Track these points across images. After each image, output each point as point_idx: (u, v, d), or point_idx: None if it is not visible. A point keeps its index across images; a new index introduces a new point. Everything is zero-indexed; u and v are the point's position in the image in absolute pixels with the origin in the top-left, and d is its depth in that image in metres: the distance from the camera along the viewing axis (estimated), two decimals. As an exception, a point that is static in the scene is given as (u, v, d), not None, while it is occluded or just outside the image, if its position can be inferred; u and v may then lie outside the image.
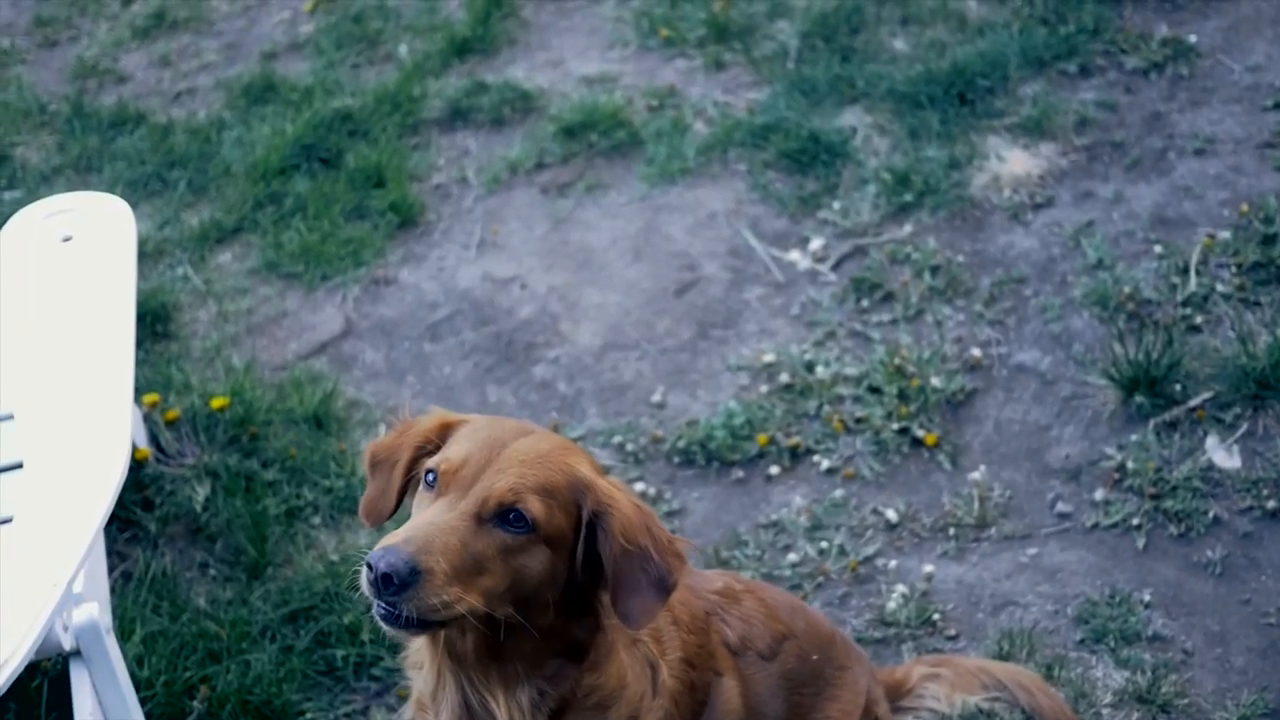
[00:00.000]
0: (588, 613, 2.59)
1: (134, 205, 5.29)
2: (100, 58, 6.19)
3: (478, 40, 5.99)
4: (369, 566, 2.34)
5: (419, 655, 2.71)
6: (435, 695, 2.64)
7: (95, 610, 3.39)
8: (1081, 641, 3.78)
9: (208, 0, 6.49)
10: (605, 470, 2.66)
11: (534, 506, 2.44)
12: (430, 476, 2.51)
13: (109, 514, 3.33)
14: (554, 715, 2.61)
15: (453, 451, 2.51)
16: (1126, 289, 4.63)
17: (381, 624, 2.41)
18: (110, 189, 5.32)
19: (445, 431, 2.63)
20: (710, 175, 5.31)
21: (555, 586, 2.51)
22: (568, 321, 4.81)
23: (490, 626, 2.47)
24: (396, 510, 2.70)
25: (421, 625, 2.40)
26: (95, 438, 3.53)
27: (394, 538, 2.37)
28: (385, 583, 2.33)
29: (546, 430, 2.63)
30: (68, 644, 3.28)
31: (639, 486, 4.24)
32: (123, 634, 3.79)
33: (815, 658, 3.14)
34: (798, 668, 3.09)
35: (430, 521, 2.40)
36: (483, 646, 2.53)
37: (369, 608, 3.84)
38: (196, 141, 5.61)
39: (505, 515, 2.44)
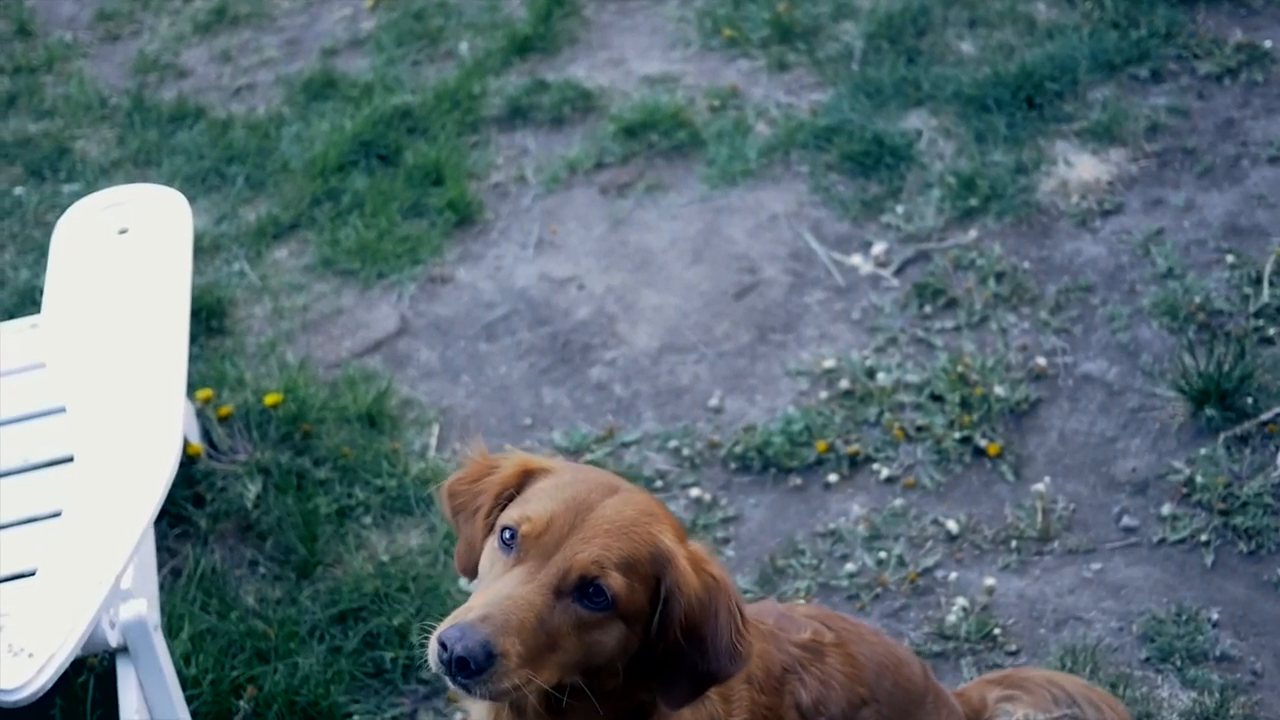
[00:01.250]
0: (650, 675, 2.46)
1: (192, 200, 5.25)
2: (161, 52, 6.18)
3: (539, 39, 5.94)
4: (442, 645, 2.25)
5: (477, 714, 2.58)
6: None
7: (143, 607, 3.35)
8: (1147, 660, 3.68)
9: (269, -4, 6.47)
10: (684, 530, 2.53)
11: (615, 583, 2.32)
12: (508, 535, 2.37)
13: (159, 510, 3.30)
14: None
15: (534, 510, 2.37)
16: (1197, 299, 4.52)
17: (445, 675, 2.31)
18: (169, 183, 5.29)
19: (525, 479, 2.50)
20: (772, 177, 5.23)
21: (626, 656, 2.40)
22: (625, 323, 4.75)
23: (556, 690, 2.36)
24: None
25: (489, 698, 2.31)
26: (147, 432, 3.50)
27: (468, 613, 2.26)
28: (459, 666, 2.23)
29: (633, 489, 2.48)
30: (114, 640, 3.24)
31: (694, 493, 4.17)
32: (170, 631, 3.75)
33: None
34: None
35: (507, 595, 2.27)
36: (545, 707, 2.41)
37: (418, 610, 3.81)
38: (255, 137, 5.58)
39: (585, 589, 2.31)
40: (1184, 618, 3.75)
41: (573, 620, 2.31)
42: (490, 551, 2.42)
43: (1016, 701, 3.32)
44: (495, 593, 2.29)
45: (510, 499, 2.48)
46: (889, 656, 3.01)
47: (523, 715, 2.44)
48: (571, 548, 2.32)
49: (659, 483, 4.19)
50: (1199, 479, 4.04)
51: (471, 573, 2.53)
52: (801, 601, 3.20)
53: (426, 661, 3.66)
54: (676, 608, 2.37)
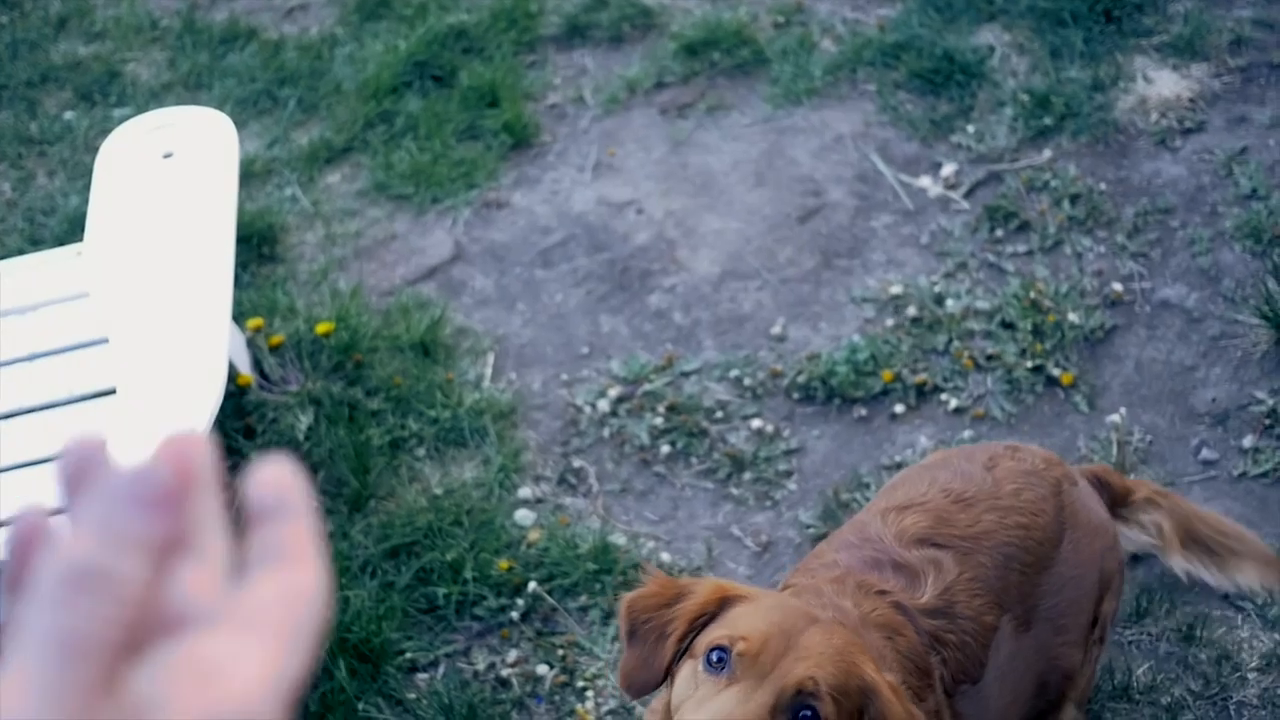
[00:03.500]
0: None
1: (243, 124, 5.16)
2: (213, -28, 6.06)
3: (598, -46, 5.77)
4: None
5: None
6: None
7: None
8: (1225, 598, 3.53)
9: (323, -87, 6.32)
10: (868, 660, 2.44)
11: (827, 708, 2.26)
12: (716, 656, 2.31)
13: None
14: None
15: (746, 630, 2.31)
16: (1282, 221, 4.34)
17: None
18: (219, 107, 5.18)
19: (722, 605, 2.44)
20: (838, 96, 5.06)
21: None
22: (685, 249, 4.61)
23: None
24: (663, 683, 2.49)
25: None
26: (191, 364, 3.42)
27: None
28: None
29: (831, 620, 2.42)
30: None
31: (755, 424, 4.04)
32: (220, 566, 3.68)
33: (1032, 630, 2.84)
34: (1013, 655, 2.80)
35: (728, 716, 2.23)
36: None
37: (472, 545, 3.71)
38: (307, 59, 5.46)
39: (798, 710, 2.26)
40: (1266, 555, 3.59)
41: None
42: (692, 674, 2.36)
43: (1164, 519, 3.17)
44: (714, 712, 2.24)
45: (704, 625, 2.43)
46: (1015, 533, 2.82)
47: None
48: (786, 667, 2.27)
49: (719, 413, 4.07)
50: (1283, 410, 3.87)
51: (639, 691, 2.50)
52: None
53: (481, 598, 3.60)
54: None
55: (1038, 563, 2.82)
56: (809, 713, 2.25)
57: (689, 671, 2.36)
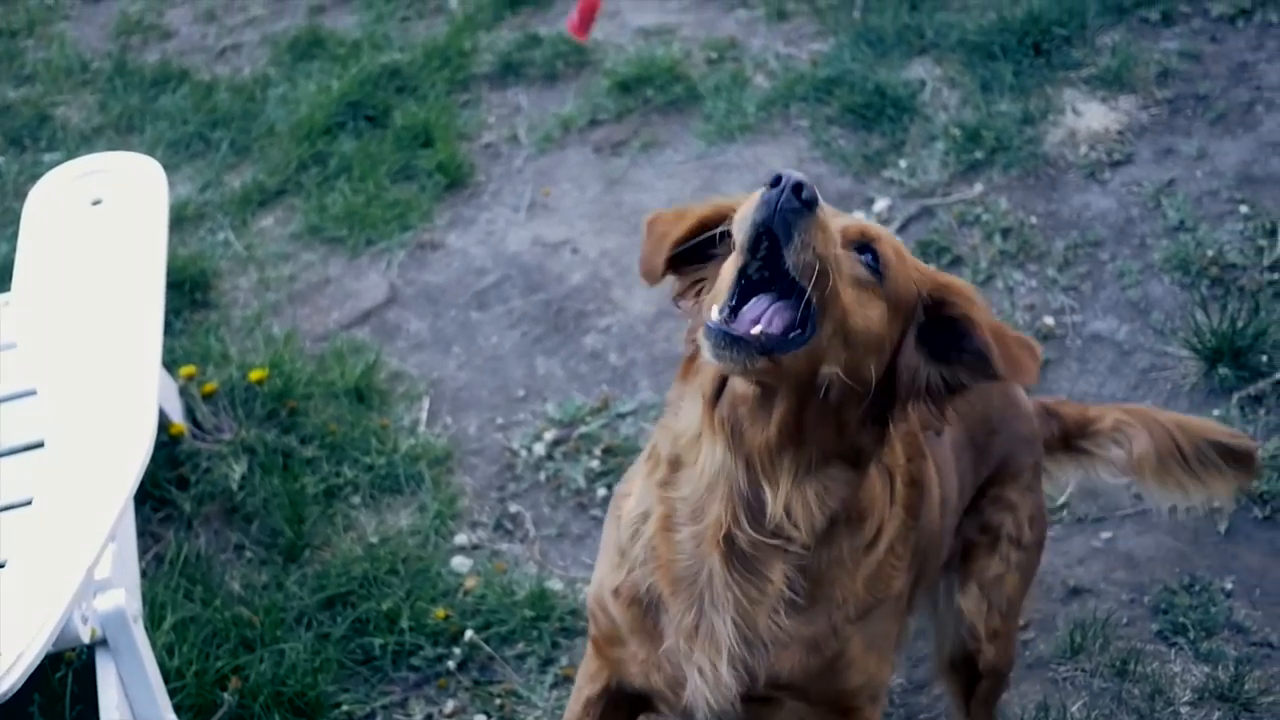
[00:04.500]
0: (880, 424, 2.40)
1: (175, 167, 5.14)
2: (144, 13, 6.03)
3: (531, -9, 5.79)
4: (774, 186, 2.18)
5: (687, 425, 2.45)
6: (702, 466, 2.42)
7: (122, 597, 3.24)
8: (1159, 633, 3.56)
9: (255, -48, 6.31)
10: None
11: (888, 250, 2.32)
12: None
13: (133, 495, 3.19)
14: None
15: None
16: (1210, 252, 4.38)
17: (718, 339, 2.20)
18: (151, 150, 5.16)
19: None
20: (771, 132, 5.08)
21: (880, 362, 2.34)
22: (620, 288, 4.61)
23: (804, 399, 2.30)
24: (665, 273, 2.52)
25: (763, 351, 2.22)
26: (120, 415, 3.38)
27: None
28: (796, 192, 2.16)
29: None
30: (86, 636, 3.13)
31: (691, 464, 4.04)
32: (153, 620, 3.64)
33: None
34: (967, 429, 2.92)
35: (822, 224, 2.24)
36: (784, 427, 2.32)
37: (408, 594, 3.69)
38: (240, 100, 5.44)
39: (861, 248, 2.31)
40: (1197, 588, 3.62)
41: (853, 273, 2.28)
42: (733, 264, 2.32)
43: (1138, 435, 3.21)
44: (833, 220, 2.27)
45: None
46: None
47: (749, 446, 2.35)
48: (840, 220, 2.32)
49: (655, 455, 4.07)
50: (1213, 442, 3.90)
51: (655, 276, 2.54)
52: None
53: (417, 648, 3.58)
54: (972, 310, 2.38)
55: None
56: (872, 252, 2.30)
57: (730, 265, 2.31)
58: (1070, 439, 3.24)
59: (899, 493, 2.58)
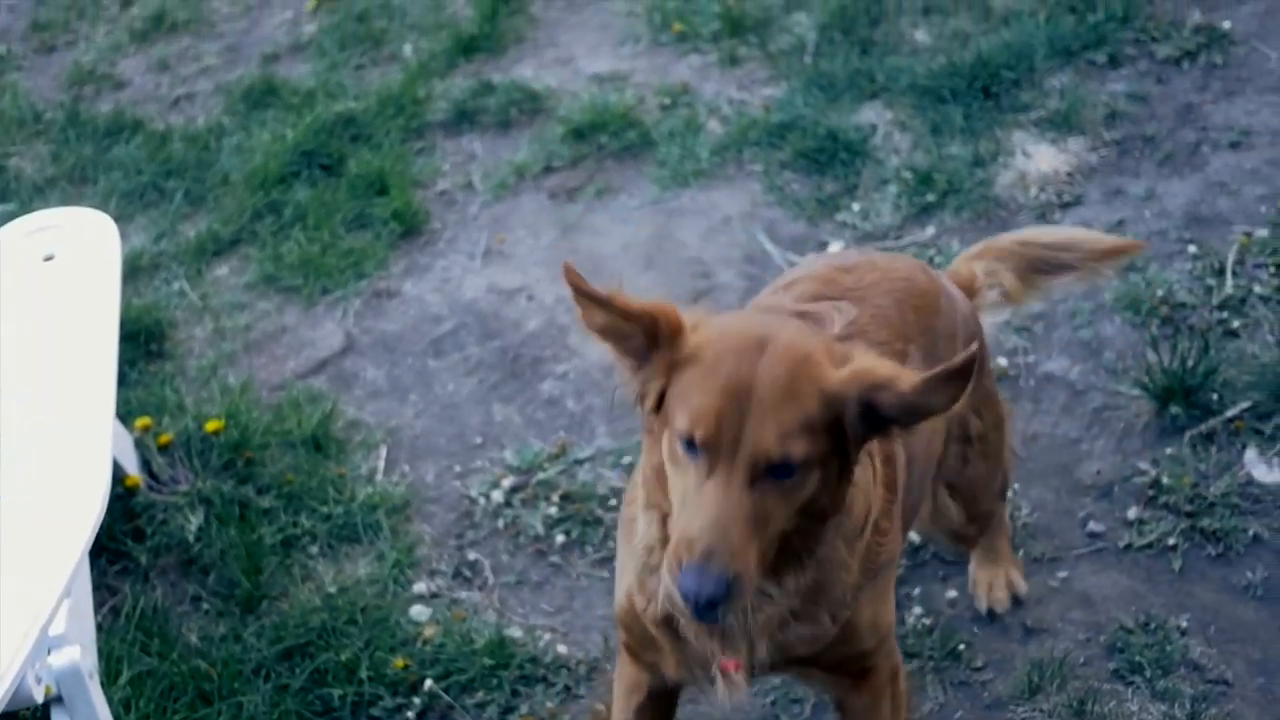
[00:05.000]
0: (845, 473, 2.49)
1: (129, 217, 5.13)
2: (97, 63, 6.03)
3: (484, 38, 5.82)
4: (685, 598, 2.31)
5: (655, 537, 2.59)
6: None
7: (77, 654, 3.22)
8: (1115, 672, 3.58)
9: (208, 1, 6.32)
10: (831, 339, 2.57)
11: (799, 449, 2.34)
12: (685, 443, 2.35)
13: (88, 549, 3.17)
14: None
15: (700, 407, 2.34)
16: (1159, 292, 4.43)
17: (691, 614, 2.38)
18: (105, 200, 5.16)
19: (676, 337, 2.45)
20: (725, 177, 5.11)
21: (832, 490, 2.46)
22: (576, 334, 4.62)
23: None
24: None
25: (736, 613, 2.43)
26: (74, 468, 3.36)
27: (690, 552, 2.30)
28: (708, 608, 2.31)
29: (776, 336, 2.41)
30: (40, 695, 3.11)
31: (649, 510, 4.05)
32: (109, 675, 3.62)
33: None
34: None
35: (716, 516, 2.32)
36: (760, 560, 2.44)
37: (367, 644, 3.68)
38: (194, 149, 5.44)
39: (775, 469, 2.35)
40: (1152, 626, 3.65)
41: (774, 494, 2.36)
42: (673, 450, 2.41)
43: (1000, 273, 3.48)
44: (703, 516, 2.32)
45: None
46: (898, 283, 3.01)
47: None
48: (750, 434, 2.33)
49: (614, 501, 4.08)
50: (1165, 480, 3.94)
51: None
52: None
53: (377, 698, 3.57)
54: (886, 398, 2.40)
55: (926, 306, 3.04)
56: (785, 465, 2.34)
57: (671, 445, 2.40)
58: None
59: (878, 472, 2.69)
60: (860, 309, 2.90)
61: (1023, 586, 3.73)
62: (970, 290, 3.40)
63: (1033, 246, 3.53)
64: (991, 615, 3.70)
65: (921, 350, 2.95)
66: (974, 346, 2.38)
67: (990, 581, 3.72)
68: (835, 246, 4.75)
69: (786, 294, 2.99)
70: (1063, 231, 3.64)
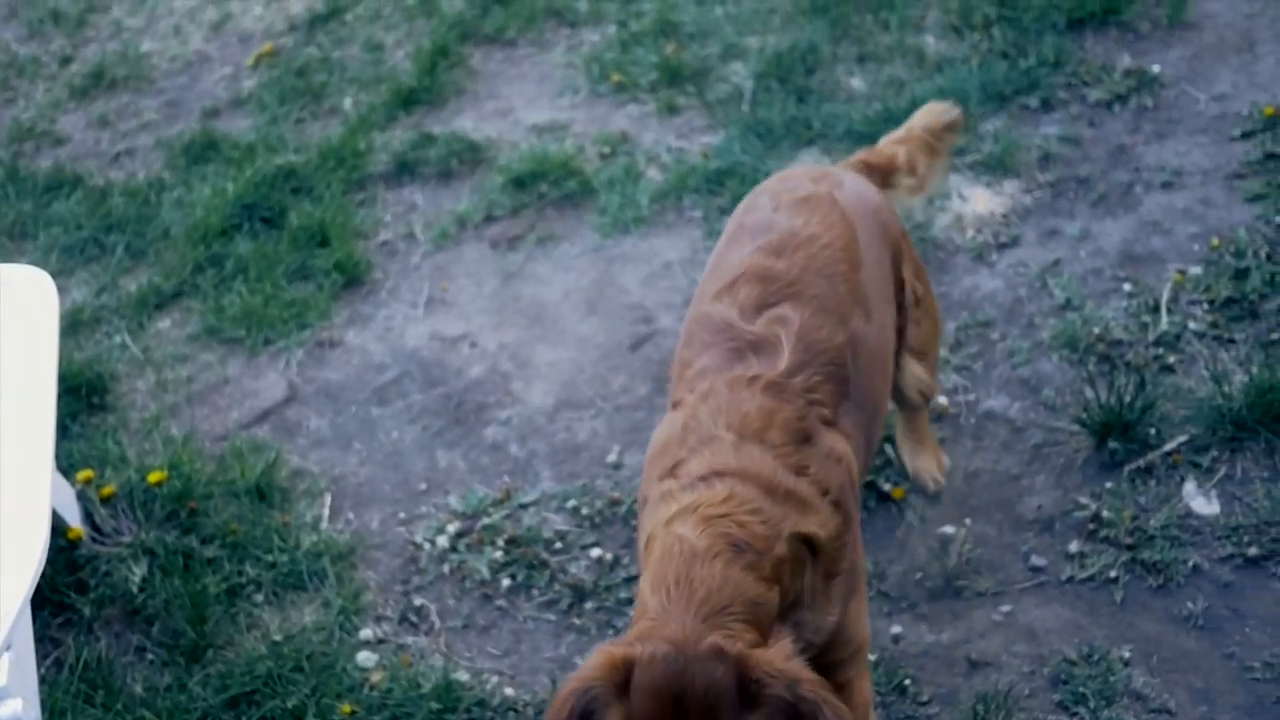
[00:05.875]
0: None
1: (69, 272, 5.12)
2: (37, 120, 6.03)
3: (424, 91, 5.85)
4: None
5: None
6: None
7: (19, 707, 3.21)
8: (1060, 703, 3.61)
9: (148, 57, 6.33)
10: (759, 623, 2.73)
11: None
12: None
13: (28, 602, 3.16)
14: None
15: None
16: (1096, 329, 4.48)
17: None
18: (45, 256, 5.15)
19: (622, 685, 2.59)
20: (665, 224, 5.15)
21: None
22: (519, 380, 4.64)
23: None
24: None
25: None
26: (13, 521, 3.35)
27: None
28: None
29: (707, 660, 2.55)
30: (-18, 749, 3.09)
31: (595, 553, 4.06)
32: (52, 728, 3.59)
33: (873, 316, 3.29)
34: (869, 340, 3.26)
35: None
36: None
37: (313, 690, 3.67)
38: (135, 204, 5.43)
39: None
40: (1095, 657, 3.68)
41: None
42: None
43: (917, 160, 3.90)
44: None
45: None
46: (825, 255, 3.23)
47: None
48: None
49: (559, 544, 4.08)
50: (1105, 514, 3.98)
51: None
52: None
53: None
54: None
55: (851, 265, 3.25)
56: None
57: None
58: (885, 181, 3.80)
59: (830, 500, 2.92)
60: (801, 309, 3.09)
61: (947, 461, 4.18)
62: (889, 170, 3.81)
63: (927, 132, 3.97)
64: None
65: (862, 314, 3.20)
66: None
67: (926, 466, 4.14)
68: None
69: (729, 299, 3.14)
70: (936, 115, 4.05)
